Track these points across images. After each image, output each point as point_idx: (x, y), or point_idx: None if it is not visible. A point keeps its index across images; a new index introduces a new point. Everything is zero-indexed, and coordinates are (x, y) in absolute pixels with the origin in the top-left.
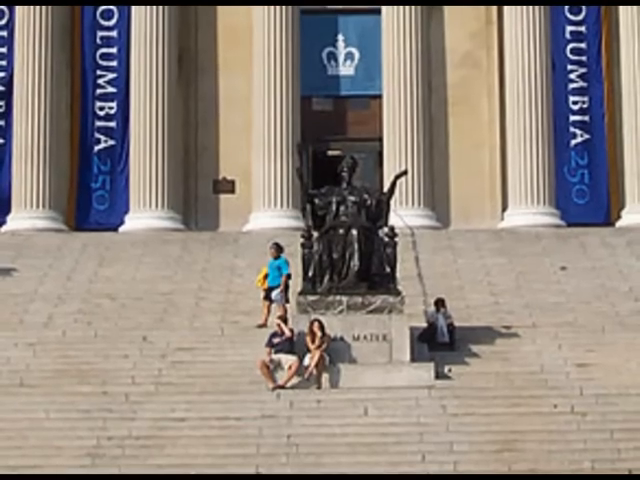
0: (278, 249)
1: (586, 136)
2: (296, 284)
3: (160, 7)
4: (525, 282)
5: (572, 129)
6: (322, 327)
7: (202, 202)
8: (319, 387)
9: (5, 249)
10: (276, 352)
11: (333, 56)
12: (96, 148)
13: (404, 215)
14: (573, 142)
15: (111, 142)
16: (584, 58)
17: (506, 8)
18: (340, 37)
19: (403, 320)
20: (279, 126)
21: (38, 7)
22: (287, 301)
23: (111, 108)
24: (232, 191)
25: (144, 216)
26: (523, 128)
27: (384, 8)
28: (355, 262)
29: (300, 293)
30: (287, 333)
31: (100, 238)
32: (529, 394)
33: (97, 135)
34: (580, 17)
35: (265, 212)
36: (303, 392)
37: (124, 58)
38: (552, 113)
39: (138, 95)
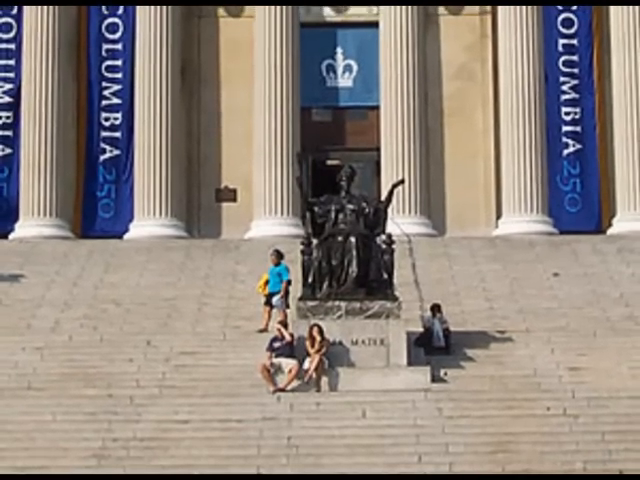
0: (279, 256)
1: (578, 146)
2: (296, 290)
3: (164, 21)
4: (519, 288)
5: (564, 139)
6: (321, 332)
7: (205, 210)
8: (318, 390)
9: (13, 256)
10: (277, 356)
11: (332, 68)
12: (102, 158)
13: (401, 223)
14: (565, 152)
15: (116, 152)
16: (576, 70)
17: (500, 22)
18: (339, 50)
19: (400, 325)
20: (279, 136)
21: (45, 20)
22: (287, 306)
23: (116, 119)
24: (234, 199)
25: (148, 224)
26: (517, 138)
27: (382, 22)
28: (353, 268)
29: (300, 299)
30: (287, 338)
31: (105, 245)
32: (523, 397)
33: (102, 145)
34: (572, 30)
35: (266, 220)
36: (303, 395)
37: (129, 70)
38: (545, 124)
39: (142, 106)
